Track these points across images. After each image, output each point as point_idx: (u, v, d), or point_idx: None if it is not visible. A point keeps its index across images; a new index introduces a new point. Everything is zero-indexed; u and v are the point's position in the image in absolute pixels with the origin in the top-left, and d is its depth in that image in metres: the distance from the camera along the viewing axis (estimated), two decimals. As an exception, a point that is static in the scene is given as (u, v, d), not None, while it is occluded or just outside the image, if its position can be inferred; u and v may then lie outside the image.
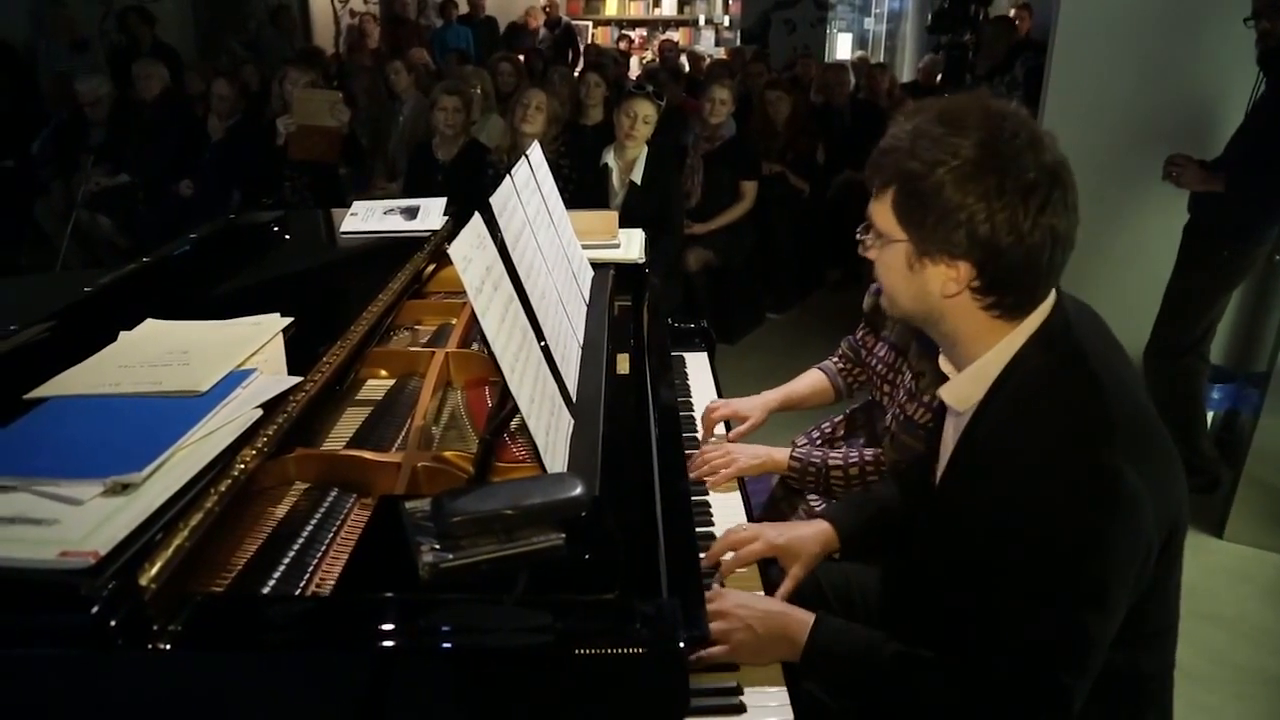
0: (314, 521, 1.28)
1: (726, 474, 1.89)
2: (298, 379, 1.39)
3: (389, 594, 1.08)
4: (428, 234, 2.30)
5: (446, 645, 1.01)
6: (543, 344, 1.51)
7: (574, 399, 1.55)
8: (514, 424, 1.49)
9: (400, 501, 1.20)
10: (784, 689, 1.34)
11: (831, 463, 1.92)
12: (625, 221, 2.57)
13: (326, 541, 1.25)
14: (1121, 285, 3.45)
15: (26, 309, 1.73)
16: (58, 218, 5.60)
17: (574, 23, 11.91)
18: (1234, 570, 3.05)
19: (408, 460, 1.36)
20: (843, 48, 10.91)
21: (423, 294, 2.17)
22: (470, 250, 1.31)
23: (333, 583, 1.15)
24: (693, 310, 4.46)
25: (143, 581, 0.96)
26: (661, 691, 1.02)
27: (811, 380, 2.23)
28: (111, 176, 5.44)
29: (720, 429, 2.11)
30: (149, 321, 1.57)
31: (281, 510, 1.31)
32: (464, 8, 10.40)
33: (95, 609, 0.92)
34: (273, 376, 1.38)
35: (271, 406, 1.30)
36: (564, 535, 1.12)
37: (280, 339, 1.52)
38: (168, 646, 0.96)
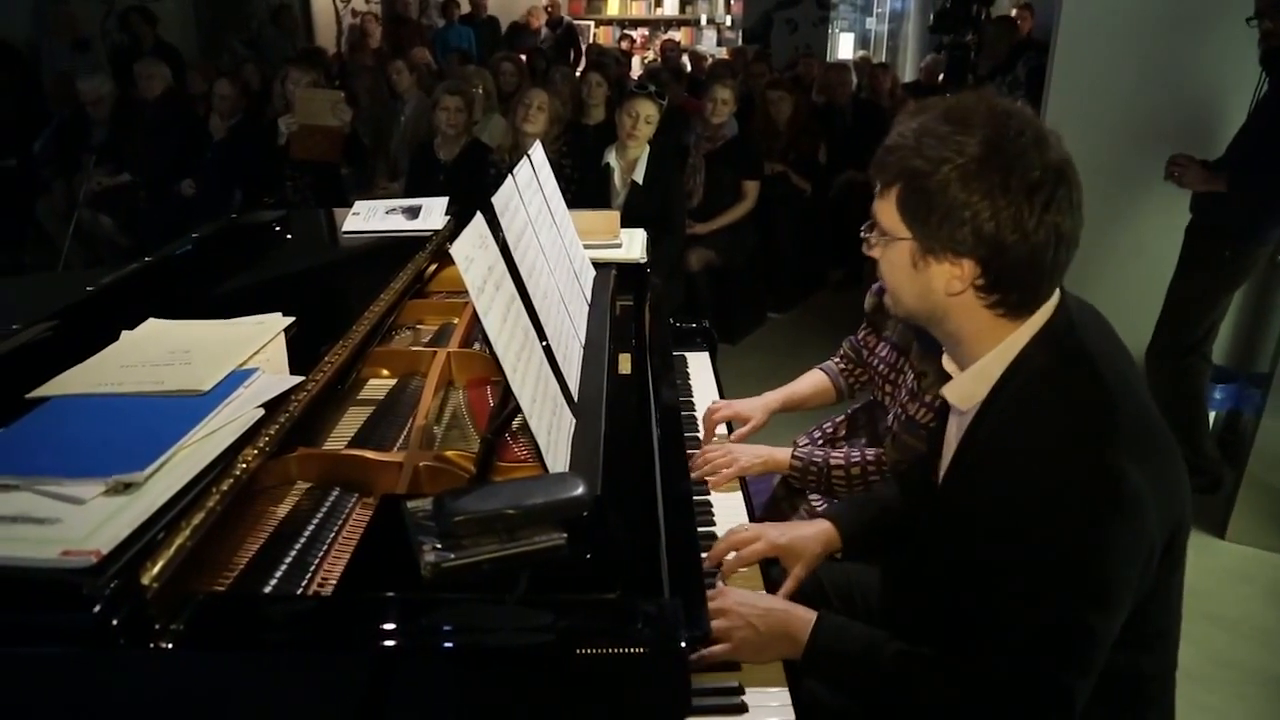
0: (316, 521, 1.28)
1: (728, 474, 1.89)
2: (300, 378, 1.39)
3: (391, 594, 1.08)
4: (429, 234, 2.30)
5: (448, 645, 1.01)
6: (545, 344, 1.51)
7: (576, 399, 1.55)
8: (516, 423, 1.49)
9: (402, 501, 1.20)
10: (785, 689, 1.33)
11: (833, 462, 1.92)
12: (627, 221, 2.57)
13: (328, 541, 1.25)
14: (1123, 285, 3.45)
15: (29, 308, 1.73)
16: (60, 217, 5.61)
17: (576, 22, 11.91)
18: (1236, 571, 3.04)
19: (409, 460, 1.36)
20: (845, 47, 10.90)
21: (424, 293, 2.18)
22: (472, 250, 1.31)
23: (334, 582, 1.15)
24: (694, 310, 4.47)
25: (145, 581, 0.96)
26: (663, 691, 1.02)
27: (813, 381, 2.23)
28: (113, 176, 5.45)
29: (722, 430, 2.10)
30: (151, 321, 1.57)
31: (283, 510, 1.31)
32: (466, 7, 10.40)
33: (97, 608, 0.92)
34: (275, 376, 1.38)
35: (273, 406, 1.30)
36: (566, 535, 1.12)
37: (282, 338, 1.52)
38: (169, 646, 0.96)
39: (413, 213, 2.41)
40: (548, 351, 1.51)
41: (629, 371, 1.79)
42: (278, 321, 1.57)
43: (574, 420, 1.47)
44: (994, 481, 1.18)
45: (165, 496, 1.07)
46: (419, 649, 1.01)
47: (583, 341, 1.79)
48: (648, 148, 4.23)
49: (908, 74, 9.51)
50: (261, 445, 1.23)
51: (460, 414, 1.64)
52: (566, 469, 1.32)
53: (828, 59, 8.99)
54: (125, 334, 1.51)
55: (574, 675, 1.01)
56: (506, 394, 1.41)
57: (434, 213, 2.41)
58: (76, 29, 7.31)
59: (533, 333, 1.46)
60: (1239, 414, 3.67)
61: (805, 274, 5.79)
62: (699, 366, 2.41)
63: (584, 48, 10.77)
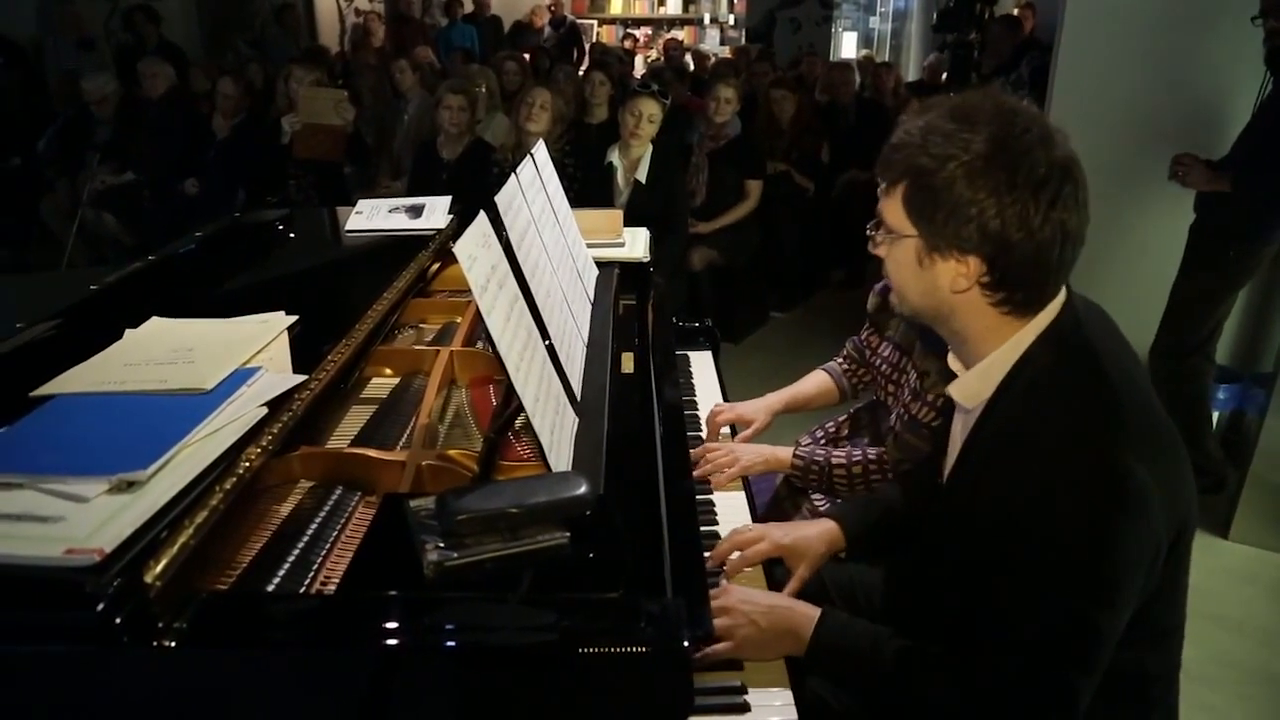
0: (318, 520, 1.28)
1: (730, 474, 1.89)
2: (302, 377, 1.39)
3: (393, 592, 1.08)
4: (432, 232, 2.31)
5: (451, 644, 1.01)
6: (547, 343, 1.51)
7: (578, 398, 1.55)
8: (518, 422, 1.49)
9: (405, 500, 1.20)
10: (788, 689, 1.34)
11: (834, 461, 1.92)
12: (630, 220, 2.57)
13: (331, 540, 1.25)
14: (1127, 285, 3.44)
15: (33, 307, 1.73)
16: (64, 216, 5.62)
17: (579, 21, 11.91)
18: (1239, 571, 3.04)
19: (412, 459, 1.36)
20: (848, 46, 10.90)
21: (427, 292, 2.18)
22: (475, 249, 1.31)
23: (337, 581, 1.15)
24: (697, 309, 4.48)
25: (148, 579, 0.96)
26: (666, 691, 1.02)
27: (816, 381, 2.23)
28: (117, 175, 5.46)
29: (725, 433, 2.10)
30: (154, 320, 1.57)
31: (286, 508, 1.31)
32: (469, 6, 10.41)
33: (100, 606, 0.92)
34: (277, 374, 1.38)
35: (276, 404, 1.30)
36: (568, 534, 1.12)
37: (285, 337, 1.52)
38: (172, 644, 0.96)
39: (416, 212, 2.41)
40: (551, 350, 1.51)
41: (632, 371, 1.79)
42: (281, 320, 1.57)
43: (577, 419, 1.47)
44: (999, 479, 1.18)
45: (168, 495, 1.07)
46: (421, 648, 1.01)
47: (586, 340, 1.79)
48: (651, 147, 4.23)
49: (911, 73, 9.50)
50: (264, 444, 1.23)
51: (463, 413, 1.64)
52: (569, 468, 1.32)
53: (831, 58, 9.00)
54: (129, 333, 1.51)
55: (576, 674, 1.01)
56: (509, 393, 1.41)
57: (437, 212, 2.41)
58: (81, 28, 7.33)
59: (536, 332, 1.46)
60: (1242, 414, 3.66)
61: (808, 273, 5.79)
62: (702, 366, 2.41)
63: (587, 47, 10.75)
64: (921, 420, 1.76)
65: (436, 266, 2.23)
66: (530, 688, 1.01)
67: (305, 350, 1.49)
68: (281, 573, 1.17)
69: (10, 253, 5.99)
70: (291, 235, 2.51)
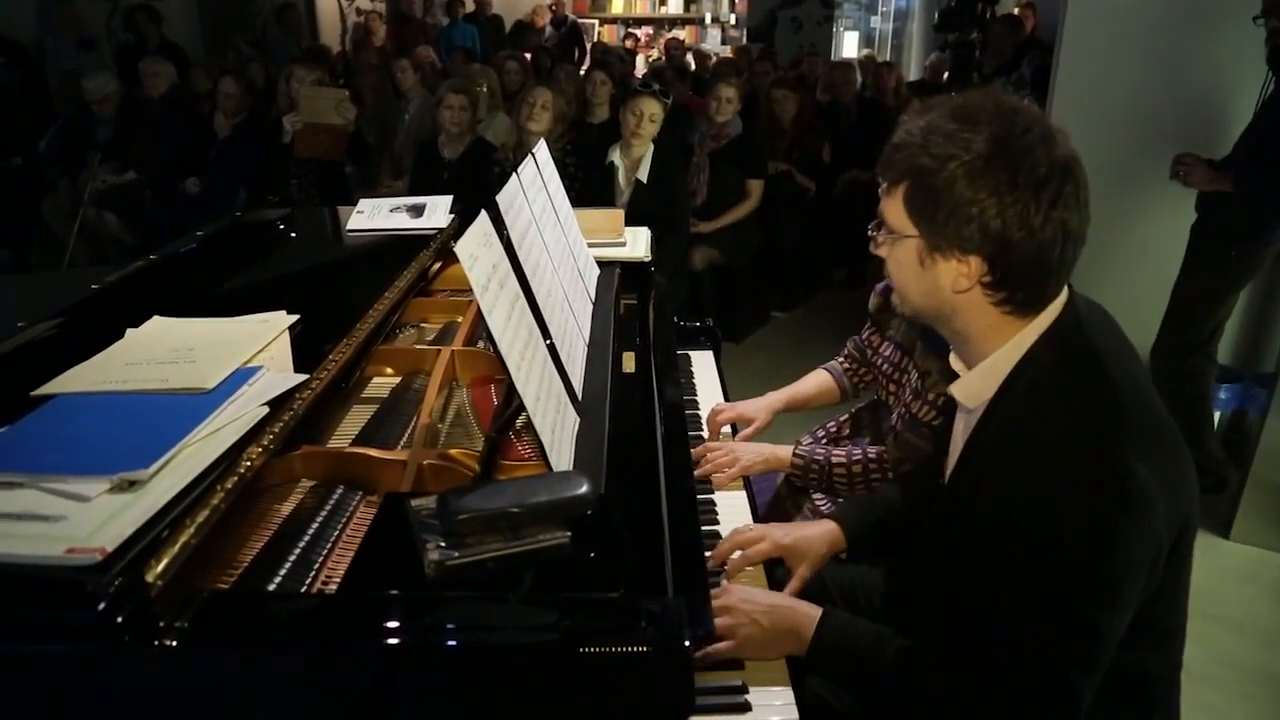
0: (320, 519, 1.28)
1: (731, 474, 1.89)
2: (304, 376, 1.39)
3: (394, 592, 1.08)
4: (434, 232, 2.31)
5: (452, 643, 1.01)
6: (549, 342, 1.51)
7: (580, 397, 1.55)
8: (520, 422, 1.49)
9: (406, 499, 1.20)
10: (789, 688, 1.33)
11: (834, 460, 1.92)
12: (631, 220, 2.57)
13: (332, 539, 1.25)
14: (1129, 285, 3.44)
15: (34, 306, 1.73)
16: (65, 215, 5.62)
17: (580, 21, 11.91)
18: (1241, 571, 3.04)
19: (413, 458, 1.36)
20: (849, 46, 10.91)
21: (429, 292, 2.18)
22: (476, 248, 1.31)
23: (338, 580, 1.15)
24: (698, 309, 4.48)
25: (149, 578, 0.96)
26: (667, 690, 1.02)
27: (817, 381, 2.23)
28: (118, 174, 5.46)
29: (726, 431, 2.10)
30: (155, 319, 1.57)
31: (287, 508, 1.31)
32: (470, 6, 10.41)
33: (102, 605, 0.92)
34: (279, 374, 1.38)
35: (277, 404, 1.30)
36: (569, 533, 1.12)
37: (286, 336, 1.52)
38: (174, 643, 0.96)
39: (417, 211, 2.42)
40: (552, 350, 1.51)
41: (633, 370, 1.79)
42: (282, 319, 1.57)
43: (578, 419, 1.47)
44: (1001, 479, 1.18)
45: (170, 494, 1.07)
46: (422, 647, 1.01)
47: (587, 340, 1.79)
48: (652, 146, 4.23)
49: (912, 73, 9.50)
50: (266, 443, 1.23)
51: (464, 412, 1.64)
52: (570, 467, 1.32)
53: (832, 57, 9.00)
54: (130, 332, 1.51)
55: (578, 674, 1.01)
56: (510, 392, 1.41)
57: (438, 211, 2.41)
58: (82, 28, 7.33)
59: (537, 331, 1.46)
60: (1244, 414, 3.66)
61: (809, 273, 5.79)
62: (703, 365, 2.41)
63: (588, 46, 10.76)
64: (922, 419, 1.76)
65: (438, 266, 2.23)
66: (531, 687, 1.01)
67: (306, 349, 1.49)
68: (283, 572, 1.17)
69: (11, 252, 5.99)
70: (293, 235, 2.51)
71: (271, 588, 1.15)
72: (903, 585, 1.57)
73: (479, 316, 1.52)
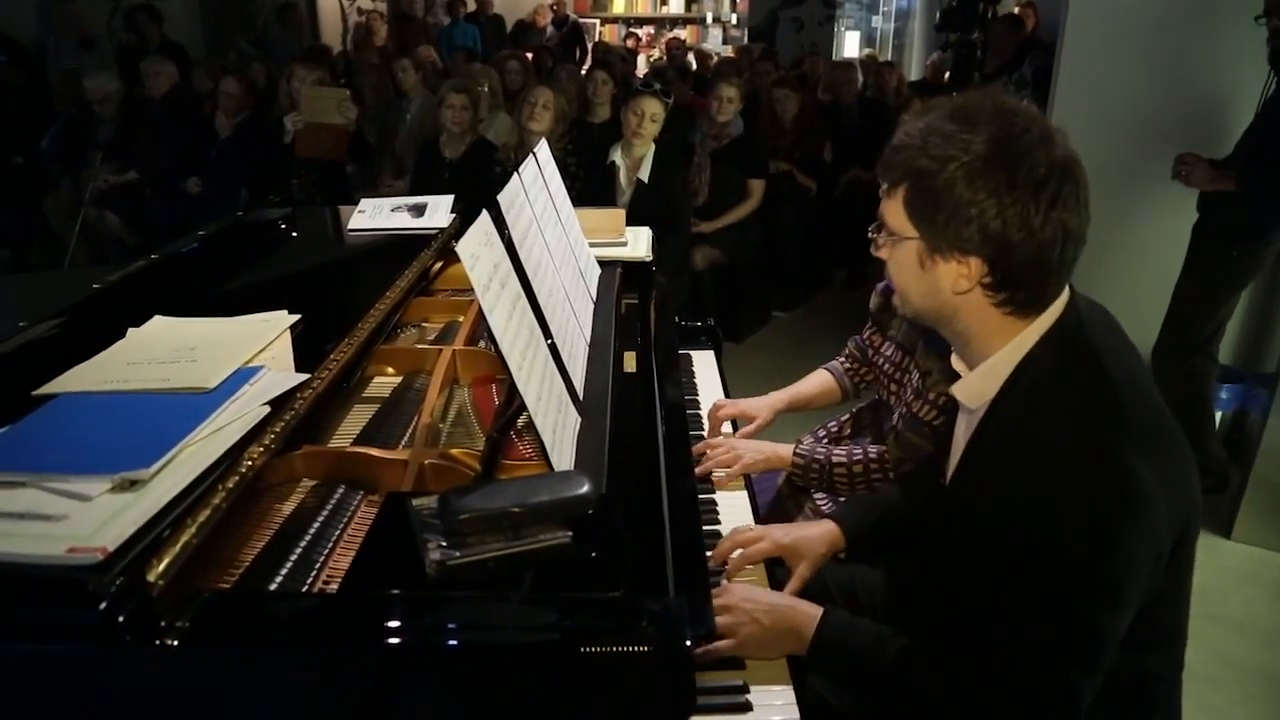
0: (321, 518, 1.28)
1: (732, 472, 1.89)
2: (305, 376, 1.39)
3: (396, 591, 1.08)
4: (435, 231, 2.31)
5: (453, 643, 1.01)
6: (550, 342, 1.51)
7: (581, 397, 1.55)
8: (521, 422, 1.49)
9: (407, 499, 1.20)
10: (790, 688, 1.33)
11: (835, 460, 1.92)
12: (632, 219, 2.57)
13: (333, 539, 1.25)
14: (1130, 285, 3.44)
15: (35, 306, 1.73)
16: (66, 215, 5.62)
17: (581, 20, 11.91)
18: (1242, 571, 3.04)
19: (415, 457, 1.36)
20: (850, 46, 10.91)
21: (430, 291, 2.18)
22: (478, 248, 1.31)
23: (339, 580, 1.15)
24: (700, 308, 4.48)
25: (150, 578, 0.96)
26: (667, 689, 1.02)
27: (819, 380, 2.23)
28: (119, 174, 5.46)
29: (727, 428, 2.10)
30: (157, 319, 1.57)
31: (288, 507, 1.31)
32: (471, 5, 10.41)
33: (103, 605, 0.92)
34: (280, 373, 1.38)
35: (279, 403, 1.30)
36: (571, 533, 1.12)
37: (288, 336, 1.52)
38: (175, 643, 0.96)
39: (418, 211, 2.42)
40: (553, 349, 1.51)
41: (634, 370, 1.79)
42: (283, 319, 1.57)
43: (579, 418, 1.47)
44: (1003, 480, 1.18)
45: (171, 494, 1.07)
46: (424, 647, 1.01)
47: (588, 339, 1.79)
48: (653, 146, 4.23)
49: (914, 72, 9.50)
50: (267, 443, 1.23)
51: (465, 412, 1.64)
52: (571, 467, 1.32)
53: (833, 57, 9.00)
54: (131, 331, 1.51)
55: (579, 673, 1.01)
56: (512, 392, 1.41)
57: (439, 211, 2.41)
58: (83, 27, 7.33)
59: (538, 331, 1.46)
60: (1245, 414, 3.66)
61: (810, 273, 5.79)
62: (704, 365, 2.41)
63: (589, 46, 10.76)
64: (924, 419, 1.76)
65: (439, 265, 2.23)
66: (532, 687, 1.01)
67: (308, 349, 1.49)
68: (284, 572, 1.17)
69: (13, 251, 5.99)
70: (294, 234, 2.51)
71: (273, 587, 1.15)
72: (903, 585, 1.57)
73: (480, 316, 1.52)
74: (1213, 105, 3.45)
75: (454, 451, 1.40)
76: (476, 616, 1.04)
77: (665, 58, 9.55)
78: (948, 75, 7.32)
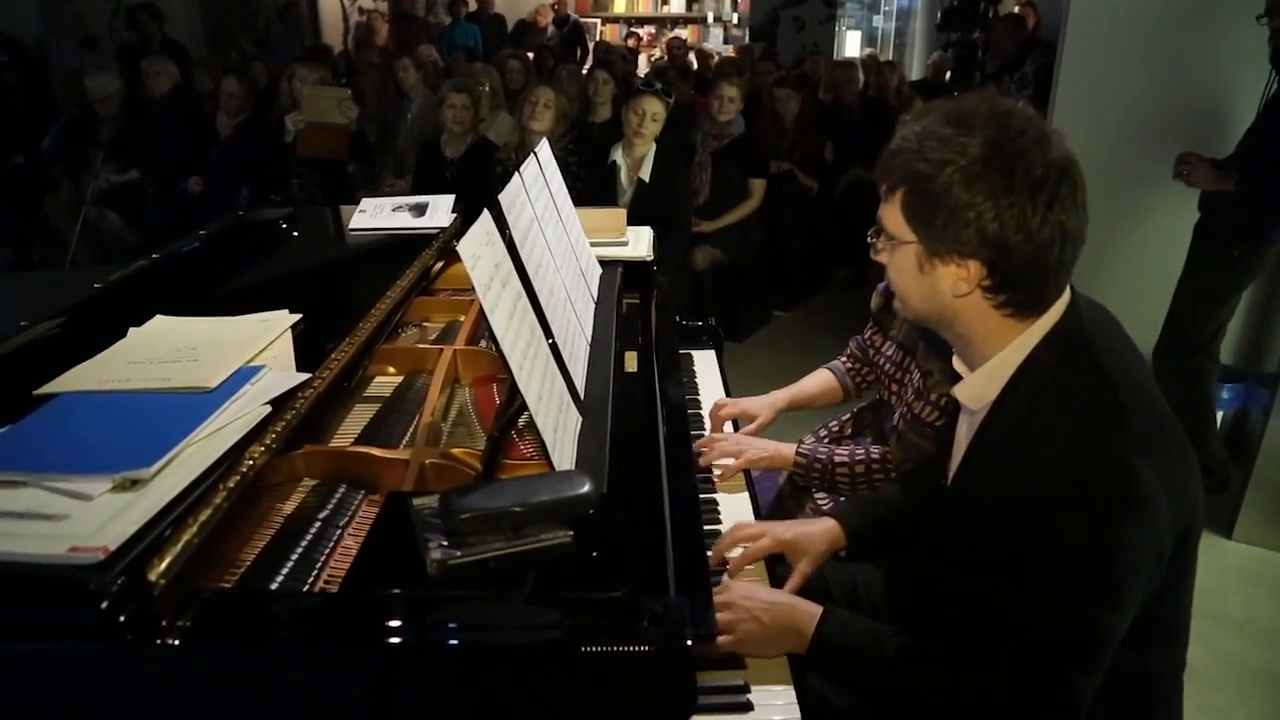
0: (322, 518, 1.28)
1: (736, 465, 1.89)
2: (306, 375, 1.39)
3: (397, 590, 1.08)
4: (436, 231, 2.31)
5: (453, 642, 1.01)
6: (551, 341, 1.51)
7: (582, 396, 1.55)
8: (522, 421, 1.49)
9: (408, 498, 1.20)
10: (791, 687, 1.33)
11: (837, 459, 1.92)
12: (633, 219, 2.57)
13: (334, 538, 1.25)
14: (1131, 284, 3.44)
15: (37, 305, 1.73)
16: (68, 214, 5.62)
17: (582, 20, 11.91)
18: (1243, 571, 3.03)
19: (416, 457, 1.36)
20: (851, 45, 10.92)
21: (431, 291, 2.18)
22: (479, 247, 1.31)
23: (340, 579, 1.15)
24: (701, 308, 4.49)
25: (151, 577, 0.96)
26: (668, 689, 1.02)
27: (820, 380, 2.23)
28: (121, 173, 5.46)
29: (728, 427, 2.10)
30: (158, 318, 1.57)
31: (289, 506, 1.31)
32: (472, 5, 10.41)
33: (104, 604, 0.92)
34: (281, 373, 1.38)
35: (280, 403, 1.30)
36: (572, 533, 1.12)
37: (289, 335, 1.52)
38: (176, 642, 0.96)
39: (419, 210, 2.42)
40: (554, 349, 1.51)
41: (635, 369, 1.79)
42: (284, 319, 1.57)
43: (580, 418, 1.47)
44: (1004, 480, 1.18)
45: (172, 493, 1.07)
46: (425, 646, 1.01)
47: (589, 339, 1.79)
48: (654, 145, 4.23)
49: (915, 72, 9.50)
50: (268, 442, 1.23)
51: (466, 411, 1.65)
52: (573, 467, 1.32)
53: (834, 57, 9.00)
54: (132, 331, 1.51)
55: (579, 673, 1.01)
56: (513, 391, 1.41)
57: (440, 210, 2.41)
58: (84, 27, 7.34)
59: (539, 330, 1.46)
60: (1246, 414, 3.66)
61: (811, 272, 5.78)
62: (705, 364, 2.41)
63: (590, 45, 10.76)
64: (925, 420, 1.76)
65: (440, 265, 2.23)
66: (533, 686, 1.01)
67: (309, 348, 1.49)
68: (285, 571, 1.17)
69: (14, 251, 6.00)
70: (295, 234, 2.51)
71: (274, 587, 1.15)
72: (904, 584, 1.57)
73: (481, 315, 1.52)
74: (1214, 105, 3.44)
75: (455, 451, 1.40)
76: (477, 616, 1.04)
77: (666, 57, 9.54)
78: (949, 75, 7.33)
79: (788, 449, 1.96)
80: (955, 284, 1.20)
